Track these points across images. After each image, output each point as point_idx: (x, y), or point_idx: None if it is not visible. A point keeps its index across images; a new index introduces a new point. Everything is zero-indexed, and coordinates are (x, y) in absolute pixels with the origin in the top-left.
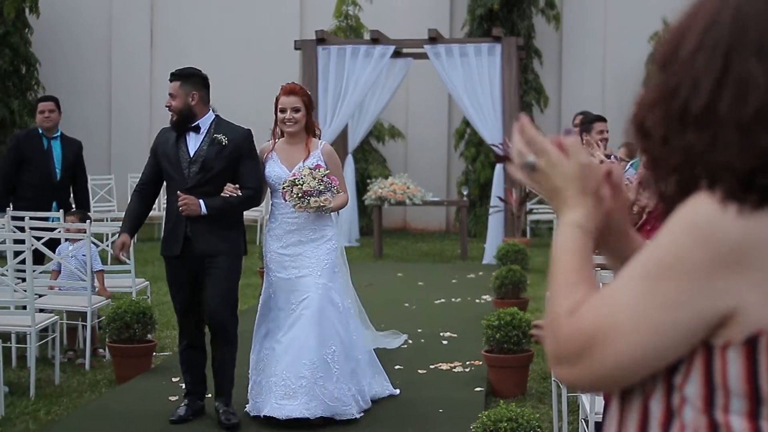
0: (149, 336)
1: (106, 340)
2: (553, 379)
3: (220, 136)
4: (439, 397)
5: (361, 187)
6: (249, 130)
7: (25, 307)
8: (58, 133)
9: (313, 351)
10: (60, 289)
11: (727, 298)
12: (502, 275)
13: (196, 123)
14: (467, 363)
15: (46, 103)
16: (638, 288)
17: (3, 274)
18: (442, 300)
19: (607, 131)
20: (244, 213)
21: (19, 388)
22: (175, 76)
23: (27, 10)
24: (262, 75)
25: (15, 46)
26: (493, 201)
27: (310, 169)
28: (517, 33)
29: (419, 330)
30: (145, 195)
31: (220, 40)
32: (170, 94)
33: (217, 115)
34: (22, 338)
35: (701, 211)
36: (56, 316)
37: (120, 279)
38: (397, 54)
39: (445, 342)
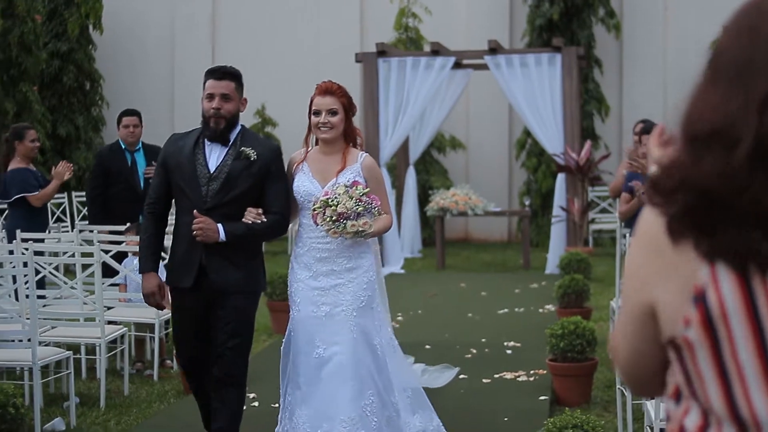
0: None
1: (174, 351)
2: (618, 386)
3: (248, 150)
4: (504, 405)
5: (423, 198)
6: (278, 146)
7: (94, 319)
8: (140, 146)
9: (349, 406)
10: (129, 301)
11: (648, 288)
12: (565, 284)
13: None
14: (531, 372)
15: (131, 117)
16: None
17: (73, 287)
18: (506, 310)
19: None
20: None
21: (90, 399)
22: (231, 75)
23: (90, 27)
24: None
25: (79, 63)
26: (555, 211)
27: (346, 186)
28: (577, 42)
29: (483, 340)
30: (157, 216)
31: (281, 54)
32: (223, 95)
33: (243, 126)
34: (91, 350)
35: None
36: (125, 328)
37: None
38: (457, 65)
39: (509, 351)
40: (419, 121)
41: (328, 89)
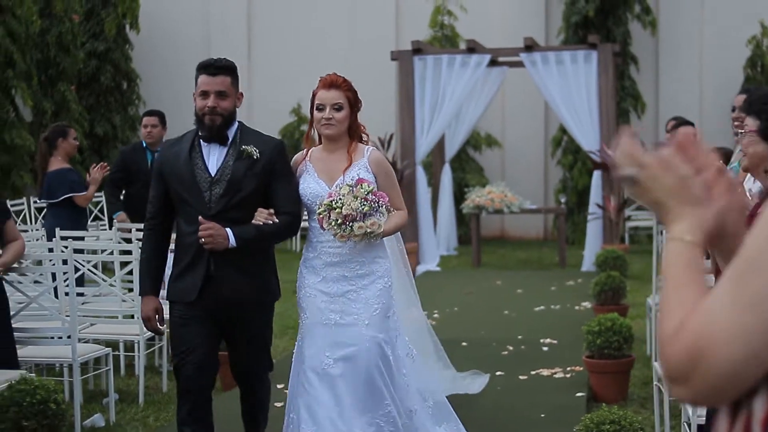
0: None
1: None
2: (654, 383)
3: (249, 148)
4: (540, 402)
5: (459, 196)
6: (281, 141)
7: (132, 316)
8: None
9: (359, 422)
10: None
11: None
12: (601, 282)
13: (224, 132)
14: (568, 369)
15: (150, 118)
16: (728, 291)
17: (111, 285)
18: (542, 307)
19: (694, 135)
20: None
21: (128, 396)
22: (227, 69)
23: (127, 27)
24: (358, 88)
25: (116, 63)
26: (591, 208)
27: (350, 186)
28: (613, 39)
29: (519, 337)
30: (157, 233)
31: (316, 52)
32: (219, 92)
33: (240, 122)
34: (129, 347)
35: None
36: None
37: None
38: (492, 63)
39: (545, 348)
40: (455, 118)
41: (333, 82)
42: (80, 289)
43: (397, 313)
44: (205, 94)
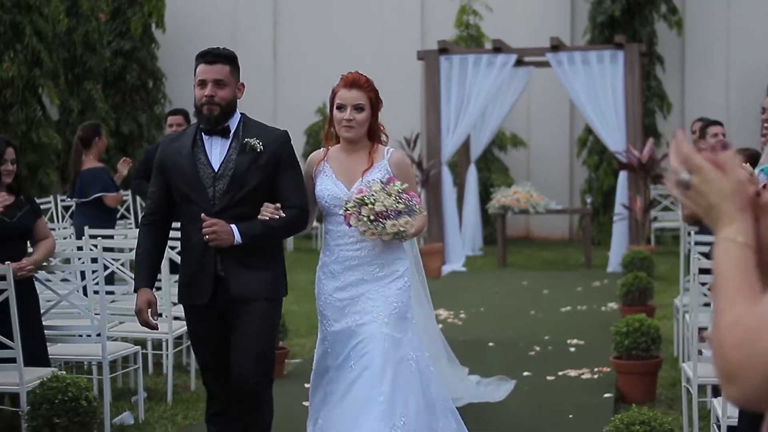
0: (281, 343)
1: None
2: (683, 384)
3: (253, 141)
4: (568, 402)
5: (484, 196)
6: (286, 132)
7: (161, 315)
8: None
9: (375, 425)
10: None
11: None
12: (628, 282)
13: (226, 124)
14: (595, 370)
15: (175, 116)
16: None
17: None
18: (568, 308)
19: (723, 134)
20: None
21: (157, 394)
22: (225, 57)
23: (153, 26)
24: (383, 87)
25: (142, 61)
26: (617, 209)
27: (382, 183)
28: (639, 39)
29: (546, 337)
30: (155, 228)
31: (342, 52)
32: (216, 81)
33: (243, 114)
34: (158, 345)
35: None
36: None
37: None
38: (518, 62)
39: (572, 349)
40: (480, 118)
41: (355, 81)
42: (109, 288)
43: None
44: (203, 84)
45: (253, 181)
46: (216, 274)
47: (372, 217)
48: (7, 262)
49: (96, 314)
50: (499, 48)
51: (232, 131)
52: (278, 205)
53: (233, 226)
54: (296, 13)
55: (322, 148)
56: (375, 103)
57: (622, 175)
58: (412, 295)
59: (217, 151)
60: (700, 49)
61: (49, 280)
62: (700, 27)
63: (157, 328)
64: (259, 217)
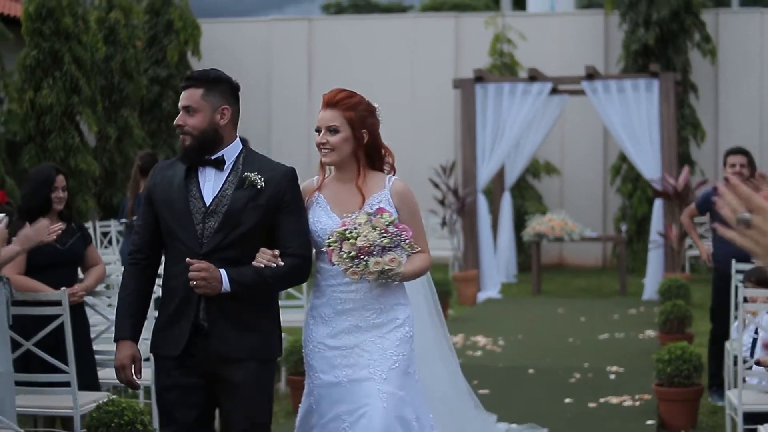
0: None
1: (283, 372)
2: (727, 412)
3: (253, 176)
4: (611, 430)
5: (518, 224)
6: (293, 169)
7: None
8: None
9: None
10: None
11: None
12: (666, 310)
13: (220, 154)
14: (636, 397)
15: None
16: None
17: None
18: (606, 335)
19: (743, 164)
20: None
21: None
22: (196, 80)
23: (189, 54)
24: (418, 115)
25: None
26: (653, 236)
27: (369, 214)
28: (673, 67)
29: (585, 365)
30: (141, 269)
31: (377, 78)
32: (185, 108)
33: (245, 145)
34: None
35: None
36: None
37: (293, 314)
38: (552, 90)
39: (612, 376)
40: (515, 146)
41: (330, 100)
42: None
43: (428, 375)
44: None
45: (250, 222)
46: (196, 323)
47: (353, 253)
48: (62, 288)
49: (145, 339)
50: (534, 76)
51: (229, 163)
52: (276, 252)
53: (222, 272)
54: (330, 43)
55: (316, 176)
56: (356, 122)
57: (658, 203)
58: (432, 344)
59: (210, 184)
60: (733, 77)
61: (96, 305)
62: (733, 55)
63: (139, 388)
64: (254, 263)
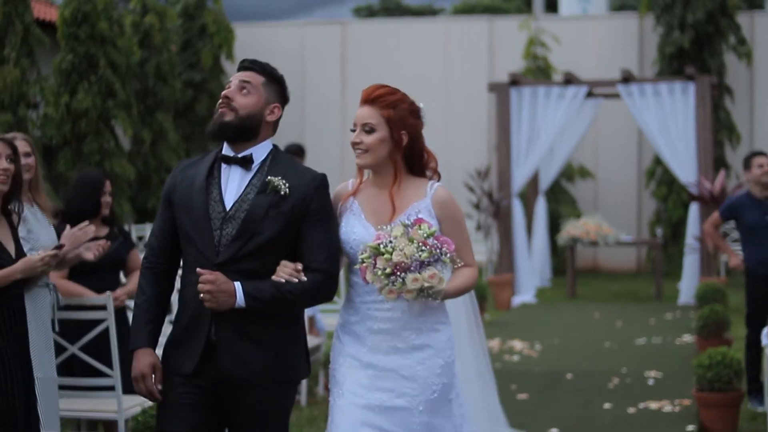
0: None
1: (321, 378)
2: None
3: (277, 180)
4: None
5: (552, 227)
6: (322, 177)
7: None
8: None
9: None
10: None
11: None
12: (705, 315)
13: (248, 152)
14: (676, 402)
15: (299, 158)
16: None
17: None
18: (643, 340)
19: None
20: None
21: None
22: (261, 69)
23: (223, 57)
24: (451, 119)
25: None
26: (689, 240)
27: (405, 225)
28: (708, 70)
29: (623, 370)
30: (159, 274)
31: (410, 82)
32: (242, 82)
33: (275, 146)
34: None
35: None
36: None
37: (334, 318)
38: (587, 94)
39: (650, 381)
40: (549, 150)
41: (368, 96)
42: None
43: (463, 395)
44: (227, 87)
45: (270, 231)
46: (208, 339)
47: (389, 270)
48: (107, 292)
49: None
50: (569, 80)
51: (256, 163)
52: (299, 265)
53: (237, 285)
54: (364, 46)
55: (351, 180)
56: (395, 122)
57: (694, 207)
58: (471, 365)
59: (234, 185)
60: None
61: None
62: None
63: (160, 399)
64: (273, 277)
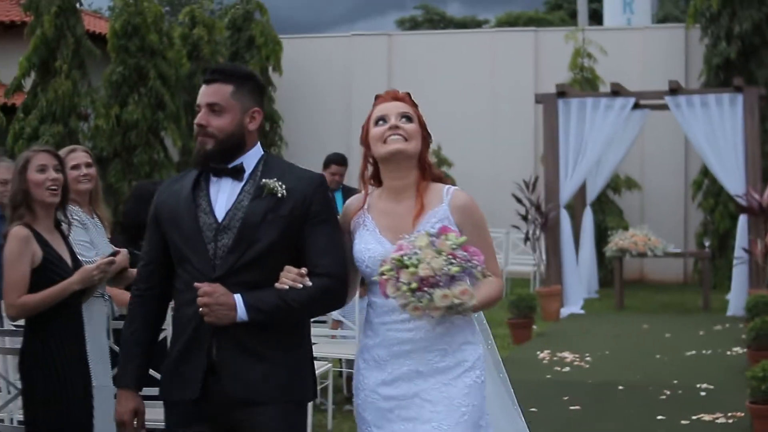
0: None
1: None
2: None
3: (272, 182)
4: None
5: (598, 239)
6: (320, 177)
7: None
8: (340, 187)
9: None
10: (336, 338)
11: None
12: (756, 327)
13: (239, 162)
14: (729, 414)
15: (340, 167)
16: None
17: None
18: (693, 351)
19: None
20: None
21: None
22: (225, 75)
23: (270, 69)
24: (497, 130)
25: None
26: (737, 252)
27: (430, 235)
28: (755, 81)
29: (675, 381)
30: (148, 302)
31: (457, 94)
32: (210, 105)
33: (266, 151)
34: None
35: None
36: (329, 364)
37: None
38: (634, 105)
39: (703, 393)
40: (596, 161)
41: (396, 95)
42: None
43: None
44: (198, 110)
45: (269, 237)
46: (210, 360)
47: (414, 285)
48: None
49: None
50: (617, 91)
51: (248, 172)
52: (303, 270)
53: (237, 297)
54: (410, 58)
55: (361, 193)
56: (423, 122)
57: (742, 219)
58: (489, 390)
59: (224, 195)
60: None
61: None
62: None
63: None
64: (276, 285)
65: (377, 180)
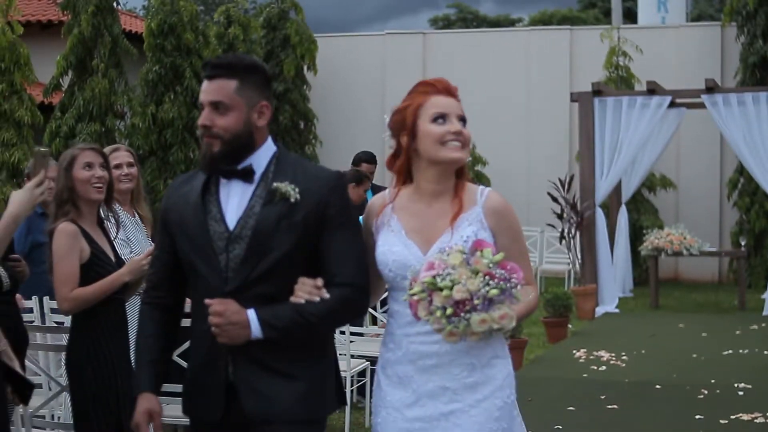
0: None
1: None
2: None
3: (284, 186)
4: None
5: (633, 237)
6: (338, 175)
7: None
8: (369, 185)
9: None
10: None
11: None
12: None
13: (248, 162)
14: None
15: (370, 165)
16: None
17: None
18: (730, 351)
19: None
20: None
21: (332, 430)
22: (227, 69)
23: (305, 68)
24: (532, 128)
25: (294, 103)
26: None
27: (464, 253)
28: None
29: (713, 381)
30: (160, 309)
31: (491, 93)
32: (213, 104)
33: (278, 149)
34: None
35: None
36: (367, 362)
37: None
38: (670, 104)
39: (741, 393)
40: (632, 160)
41: (448, 87)
42: None
43: None
44: (202, 109)
45: (284, 246)
46: (228, 380)
47: (449, 311)
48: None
49: None
50: (653, 90)
51: (258, 173)
52: (319, 281)
53: (251, 313)
54: (444, 56)
55: (387, 189)
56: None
57: None
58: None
59: (235, 200)
60: None
61: None
62: None
63: None
64: (291, 298)
65: (408, 173)
